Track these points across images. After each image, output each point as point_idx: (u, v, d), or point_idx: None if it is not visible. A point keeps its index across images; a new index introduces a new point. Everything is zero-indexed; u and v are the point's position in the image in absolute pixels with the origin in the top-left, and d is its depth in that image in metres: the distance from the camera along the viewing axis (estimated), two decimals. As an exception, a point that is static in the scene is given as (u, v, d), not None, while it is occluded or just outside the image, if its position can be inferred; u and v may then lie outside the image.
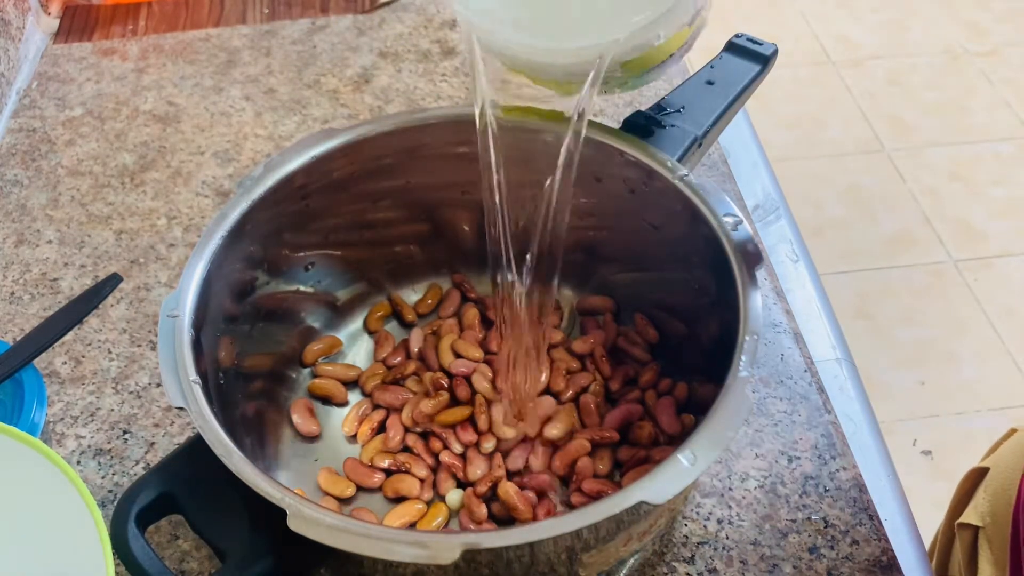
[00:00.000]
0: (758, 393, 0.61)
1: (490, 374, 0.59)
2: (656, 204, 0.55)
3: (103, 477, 0.58)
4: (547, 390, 0.58)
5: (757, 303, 0.47)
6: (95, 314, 0.67)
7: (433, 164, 0.60)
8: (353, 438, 0.58)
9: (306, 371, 0.61)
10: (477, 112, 0.50)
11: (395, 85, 0.87)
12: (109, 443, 0.60)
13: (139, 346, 0.65)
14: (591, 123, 0.56)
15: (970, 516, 0.58)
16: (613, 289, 0.63)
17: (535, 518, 0.52)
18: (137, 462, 0.58)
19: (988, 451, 0.62)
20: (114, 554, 0.43)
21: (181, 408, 0.44)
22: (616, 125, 0.57)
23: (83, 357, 0.64)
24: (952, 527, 0.61)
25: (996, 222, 1.85)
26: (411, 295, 0.66)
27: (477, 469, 0.54)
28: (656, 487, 0.40)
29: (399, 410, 0.58)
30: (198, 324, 0.48)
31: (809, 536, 0.54)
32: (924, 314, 1.36)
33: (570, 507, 0.53)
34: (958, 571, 0.59)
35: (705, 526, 0.54)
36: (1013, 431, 0.61)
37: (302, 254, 0.60)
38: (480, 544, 0.39)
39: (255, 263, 0.56)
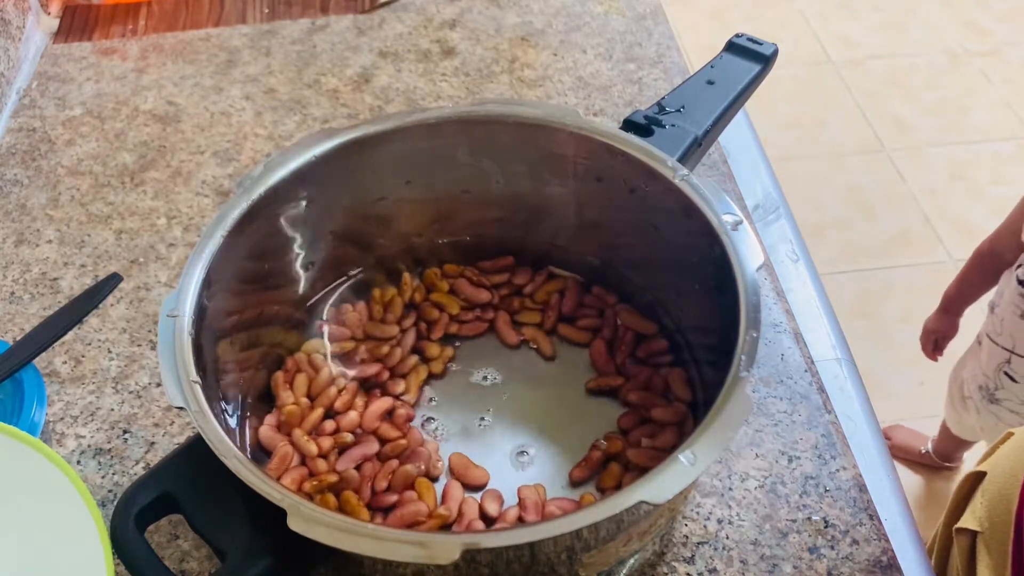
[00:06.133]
0: (758, 393, 0.61)
1: None
2: (656, 204, 0.55)
3: (103, 477, 0.58)
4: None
5: (757, 303, 0.47)
6: (95, 314, 0.67)
7: (433, 164, 0.60)
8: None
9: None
10: None
11: (395, 85, 0.87)
12: (109, 443, 0.59)
13: (139, 346, 0.65)
14: (591, 122, 0.56)
15: (968, 521, 0.57)
16: (612, 286, 0.63)
17: None
18: (137, 462, 0.58)
19: (984, 455, 0.62)
20: (114, 554, 0.44)
21: (181, 408, 0.44)
22: (616, 125, 0.57)
23: (83, 357, 0.64)
24: (950, 531, 0.60)
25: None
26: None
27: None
28: (656, 487, 0.40)
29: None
30: (198, 324, 0.48)
31: (809, 536, 0.54)
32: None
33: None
34: (956, 575, 0.59)
35: (705, 526, 0.54)
36: (1010, 435, 0.61)
37: (302, 254, 0.60)
38: (480, 544, 0.39)
39: (255, 263, 0.56)
